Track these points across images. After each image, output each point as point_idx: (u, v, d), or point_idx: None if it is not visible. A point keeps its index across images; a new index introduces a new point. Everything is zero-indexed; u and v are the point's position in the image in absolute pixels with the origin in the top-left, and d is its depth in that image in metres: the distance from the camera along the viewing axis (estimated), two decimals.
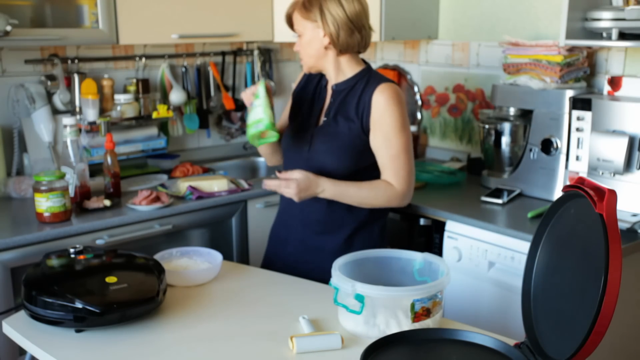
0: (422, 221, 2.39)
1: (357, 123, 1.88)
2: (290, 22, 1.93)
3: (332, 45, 1.88)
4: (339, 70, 1.92)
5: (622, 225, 2.00)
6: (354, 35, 1.87)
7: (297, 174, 1.83)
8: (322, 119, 1.95)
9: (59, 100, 2.58)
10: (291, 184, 1.82)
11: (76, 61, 2.66)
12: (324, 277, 1.75)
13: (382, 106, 1.84)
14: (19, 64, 2.55)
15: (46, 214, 2.11)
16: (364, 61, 1.96)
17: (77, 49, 2.68)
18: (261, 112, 1.86)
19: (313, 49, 1.89)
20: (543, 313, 1.27)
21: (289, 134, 2.02)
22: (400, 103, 1.87)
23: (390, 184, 1.87)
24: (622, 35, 2.15)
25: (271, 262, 2.07)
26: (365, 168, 1.91)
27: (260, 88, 1.88)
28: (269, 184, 1.85)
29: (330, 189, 1.85)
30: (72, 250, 1.65)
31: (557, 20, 2.51)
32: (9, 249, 2.00)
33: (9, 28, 2.14)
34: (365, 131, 1.88)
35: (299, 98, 2.04)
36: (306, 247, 1.98)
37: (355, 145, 1.87)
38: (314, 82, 2.02)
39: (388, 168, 1.87)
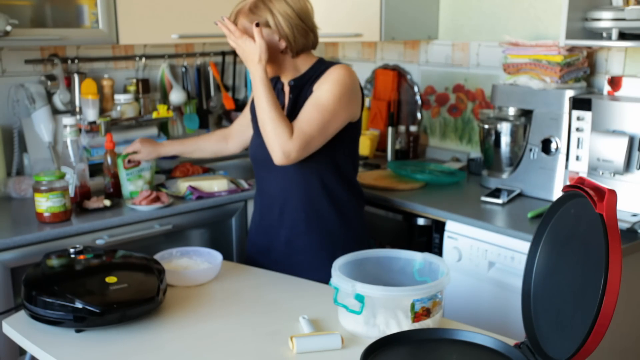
0: (422, 221, 2.39)
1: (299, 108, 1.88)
2: (235, 19, 1.88)
3: (288, 48, 1.85)
4: (294, 69, 1.91)
5: (622, 225, 2.00)
6: (308, 36, 1.87)
7: (240, 41, 1.80)
8: None
9: (59, 100, 2.58)
10: (239, 41, 1.80)
11: (76, 61, 2.66)
12: (316, 277, 1.76)
13: (325, 78, 1.84)
14: (19, 64, 2.55)
15: (46, 214, 2.11)
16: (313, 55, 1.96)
17: (77, 49, 2.68)
18: None
19: (270, 55, 1.83)
20: (543, 313, 1.27)
21: (253, 141, 2.01)
22: (341, 83, 1.82)
23: (291, 131, 1.78)
24: (622, 35, 2.15)
25: None
26: (328, 154, 1.88)
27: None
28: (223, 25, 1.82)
29: (262, 66, 1.79)
30: (72, 250, 1.65)
31: (557, 20, 2.51)
32: (9, 249, 2.00)
33: (9, 28, 2.14)
34: None
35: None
36: (293, 249, 1.96)
37: None
38: (273, 85, 1.99)
39: (298, 120, 1.80)
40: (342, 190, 1.97)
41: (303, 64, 1.92)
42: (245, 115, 2.16)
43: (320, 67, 1.91)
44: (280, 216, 1.97)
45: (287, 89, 1.94)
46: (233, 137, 2.24)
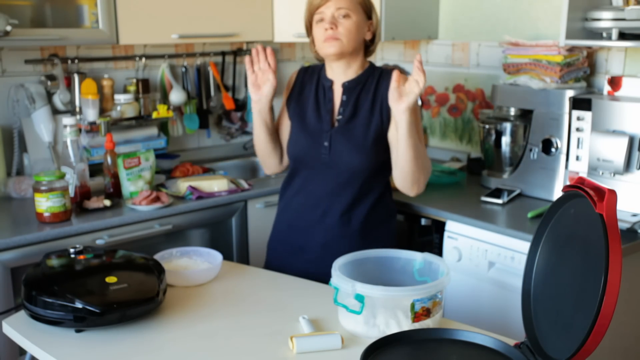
0: (422, 221, 2.39)
1: (376, 117, 1.88)
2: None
3: (368, 43, 1.92)
4: (350, 67, 1.91)
5: (622, 225, 2.00)
6: (377, 41, 1.95)
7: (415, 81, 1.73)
8: (336, 118, 1.92)
9: (59, 100, 2.58)
10: (420, 82, 1.72)
11: (76, 61, 2.66)
12: None
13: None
14: (19, 64, 2.55)
15: (46, 214, 2.11)
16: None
17: (77, 49, 2.68)
18: None
19: (359, 36, 1.87)
20: (543, 313, 1.27)
21: (298, 140, 1.96)
22: None
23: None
24: (622, 35, 2.15)
25: (283, 271, 1.93)
26: (383, 163, 1.92)
27: None
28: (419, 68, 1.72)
29: (418, 116, 1.83)
30: (72, 250, 1.65)
31: (557, 20, 2.51)
32: (9, 249, 2.00)
33: (9, 28, 2.13)
34: (385, 124, 1.88)
35: (300, 101, 1.99)
36: (328, 251, 1.90)
37: (376, 140, 1.88)
38: (312, 83, 1.99)
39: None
40: (384, 197, 1.99)
41: (358, 66, 1.93)
42: (284, 126, 2.05)
43: (375, 71, 1.93)
44: (322, 217, 1.94)
45: (338, 88, 1.93)
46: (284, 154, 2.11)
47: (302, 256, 1.97)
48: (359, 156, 1.88)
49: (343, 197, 1.92)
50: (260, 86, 1.91)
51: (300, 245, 1.98)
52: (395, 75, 1.74)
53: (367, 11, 1.89)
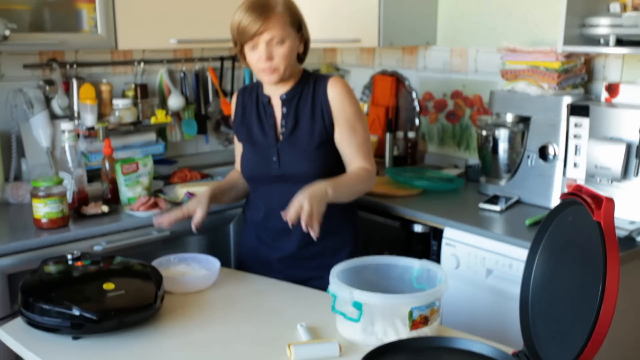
0: (420, 228, 2.39)
1: (319, 123, 1.89)
2: (265, 18, 1.77)
3: (302, 55, 1.91)
4: (286, 82, 1.91)
5: (619, 232, 2.00)
6: (308, 49, 1.94)
7: (300, 198, 1.68)
8: (280, 132, 1.93)
9: (57, 105, 2.57)
10: (305, 206, 1.65)
11: (75, 66, 2.66)
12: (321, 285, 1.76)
13: (339, 99, 1.89)
14: (17, 68, 2.55)
15: (44, 220, 2.11)
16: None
17: (75, 54, 2.68)
18: None
19: (294, 56, 1.87)
20: (541, 321, 1.27)
21: (248, 160, 1.98)
22: (352, 91, 1.93)
23: (366, 168, 1.92)
24: (620, 42, 2.16)
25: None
26: (331, 166, 1.93)
27: None
28: (291, 216, 1.67)
29: (330, 187, 1.74)
30: (69, 256, 1.65)
31: (554, 26, 2.51)
32: (6, 255, 1.99)
33: (7, 33, 2.13)
34: (328, 129, 1.90)
35: (244, 122, 2.00)
36: (296, 261, 1.97)
37: (322, 145, 1.89)
38: (252, 102, 1.99)
39: (359, 154, 1.91)
40: (340, 205, 1.95)
41: (294, 75, 1.92)
42: (239, 146, 2.08)
43: (309, 78, 1.93)
44: (286, 230, 1.91)
45: (277, 102, 1.94)
46: None
47: (271, 267, 1.99)
48: (309, 163, 1.89)
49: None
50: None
51: (268, 258, 2.00)
52: (288, 216, 1.67)
53: (297, 25, 1.86)
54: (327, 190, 1.73)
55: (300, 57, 1.93)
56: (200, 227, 1.87)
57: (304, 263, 1.98)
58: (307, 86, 1.92)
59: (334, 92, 1.89)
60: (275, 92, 1.94)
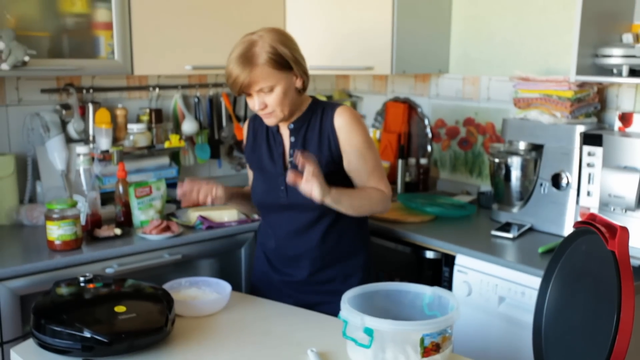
0: (431, 254, 2.38)
1: (325, 153, 1.89)
2: (245, 84, 1.78)
3: (302, 87, 1.87)
4: (293, 114, 1.91)
5: (634, 262, 1.98)
6: (308, 80, 1.91)
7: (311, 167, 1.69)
8: (288, 160, 1.93)
9: (73, 129, 2.61)
10: (313, 179, 1.68)
11: (91, 91, 2.70)
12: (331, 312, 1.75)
13: (346, 128, 1.88)
14: (35, 93, 2.59)
15: (57, 242, 2.12)
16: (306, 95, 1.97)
17: (92, 79, 2.72)
18: None
19: (290, 97, 1.84)
20: (554, 350, 1.26)
21: (257, 187, 1.99)
22: (360, 119, 1.93)
23: (379, 189, 1.91)
24: (633, 72, 2.16)
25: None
26: (347, 183, 1.92)
27: None
28: (291, 177, 1.70)
29: (333, 191, 1.76)
30: (81, 278, 1.65)
31: (567, 55, 2.53)
32: (19, 276, 2.00)
33: (27, 58, 2.18)
34: (335, 159, 1.89)
35: (255, 150, 2.00)
36: (307, 286, 1.98)
37: (328, 176, 1.83)
38: (262, 130, 1.99)
39: (371, 180, 1.91)
40: (355, 225, 1.99)
41: (302, 105, 1.92)
42: (251, 172, 2.09)
43: (317, 107, 1.92)
44: (296, 257, 1.97)
45: (286, 131, 1.94)
46: None
47: (282, 292, 2.00)
48: None
49: (312, 235, 1.93)
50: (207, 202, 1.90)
51: (279, 283, 2.01)
52: (289, 177, 1.71)
53: (286, 66, 1.81)
54: (331, 187, 1.75)
55: (301, 90, 1.89)
56: (216, 200, 1.89)
57: (314, 288, 1.98)
58: (315, 115, 1.91)
59: (340, 121, 1.88)
60: (284, 122, 1.94)
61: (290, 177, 1.71)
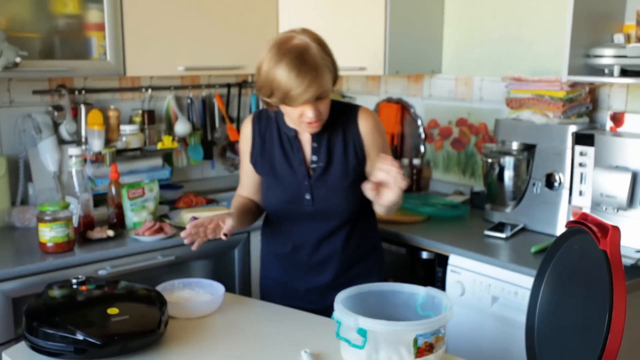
0: (425, 254, 2.38)
1: (351, 158, 1.83)
2: (310, 82, 1.63)
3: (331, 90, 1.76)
4: None
5: (626, 261, 1.99)
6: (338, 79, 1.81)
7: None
8: (311, 167, 1.85)
9: (65, 130, 2.60)
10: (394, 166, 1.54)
11: (83, 92, 2.69)
12: None
13: (371, 131, 1.84)
14: (26, 94, 2.58)
15: (49, 244, 2.11)
16: None
17: (84, 80, 2.71)
18: None
19: (329, 101, 1.76)
20: (547, 349, 1.26)
21: (276, 195, 1.88)
22: (380, 122, 1.91)
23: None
24: (624, 72, 2.17)
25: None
26: (363, 200, 1.83)
27: None
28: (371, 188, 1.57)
29: None
30: (74, 280, 1.65)
31: (559, 56, 2.53)
32: (11, 279, 2.00)
33: (18, 60, 2.17)
34: (360, 163, 1.85)
35: (265, 154, 1.89)
36: (325, 291, 1.91)
37: (356, 180, 1.81)
38: (272, 132, 1.87)
39: None
40: (371, 226, 1.98)
41: None
42: (251, 174, 1.96)
43: (336, 110, 1.82)
44: (317, 264, 1.92)
45: (306, 136, 1.84)
46: (257, 195, 2.00)
47: (299, 298, 1.94)
48: (344, 200, 1.85)
49: (337, 240, 1.90)
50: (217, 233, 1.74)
51: (296, 290, 1.96)
52: (369, 184, 1.57)
53: (334, 67, 1.73)
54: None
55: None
56: (229, 235, 1.73)
57: (339, 290, 1.81)
58: (337, 118, 1.82)
59: (366, 125, 1.83)
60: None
61: (367, 187, 1.56)
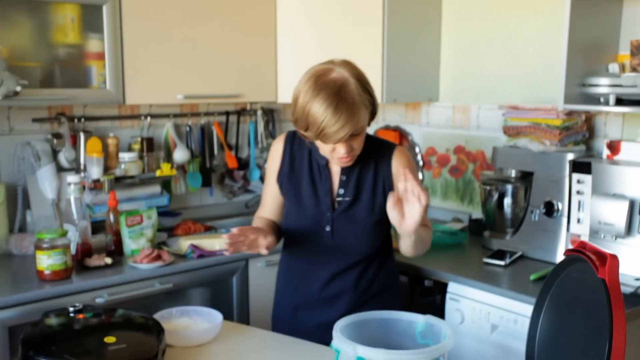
0: (424, 282, 2.37)
1: (379, 196, 1.79)
2: (346, 120, 1.60)
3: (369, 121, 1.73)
4: None
5: (625, 289, 1.98)
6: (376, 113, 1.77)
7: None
8: (337, 200, 1.81)
9: (64, 158, 2.60)
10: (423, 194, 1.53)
11: (82, 120, 2.70)
12: None
13: (403, 163, 1.79)
14: (26, 122, 2.59)
15: (47, 272, 2.10)
16: None
17: (83, 108, 2.73)
18: None
19: (364, 137, 1.72)
20: None
21: (296, 222, 1.85)
22: (414, 163, 1.85)
23: (429, 227, 1.83)
24: (619, 101, 2.19)
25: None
26: (384, 240, 1.86)
27: None
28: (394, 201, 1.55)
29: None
30: (71, 309, 1.64)
31: (555, 85, 2.55)
32: (8, 307, 1.98)
33: (18, 88, 2.18)
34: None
35: (293, 178, 1.85)
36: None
37: (381, 220, 1.77)
38: (303, 157, 1.85)
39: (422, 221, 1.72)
40: (389, 262, 1.93)
41: None
42: (276, 195, 1.92)
43: (371, 145, 1.79)
44: (330, 298, 1.86)
45: (335, 168, 1.81)
46: (279, 218, 1.97)
47: (306, 336, 1.85)
48: (366, 239, 1.81)
49: (349, 276, 1.84)
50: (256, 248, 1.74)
51: (305, 324, 1.90)
52: (391, 200, 1.56)
53: (371, 104, 1.70)
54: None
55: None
56: (270, 247, 1.73)
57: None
58: (369, 154, 1.78)
59: (399, 164, 1.78)
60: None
61: (392, 198, 1.55)
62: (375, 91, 1.72)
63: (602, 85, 2.20)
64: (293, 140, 1.87)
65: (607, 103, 2.20)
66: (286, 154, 1.87)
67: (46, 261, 2.10)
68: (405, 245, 1.74)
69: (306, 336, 1.81)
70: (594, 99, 2.26)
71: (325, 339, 1.79)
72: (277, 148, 1.89)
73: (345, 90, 1.60)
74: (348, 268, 1.85)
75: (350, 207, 1.80)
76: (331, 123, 1.58)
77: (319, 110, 1.59)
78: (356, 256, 1.83)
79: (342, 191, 1.81)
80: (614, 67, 2.33)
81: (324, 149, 1.71)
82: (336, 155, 1.69)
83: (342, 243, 1.81)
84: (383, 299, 1.90)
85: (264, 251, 1.71)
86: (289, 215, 1.90)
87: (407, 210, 1.57)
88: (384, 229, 1.85)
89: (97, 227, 2.56)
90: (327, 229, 1.81)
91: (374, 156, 1.80)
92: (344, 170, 1.80)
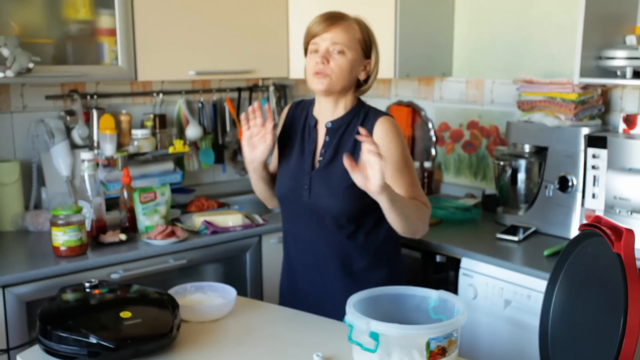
0: (437, 258, 2.37)
1: (356, 159, 1.76)
2: (332, 23, 1.77)
3: (361, 82, 1.84)
4: (337, 106, 1.84)
5: None
6: (372, 81, 1.88)
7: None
8: (317, 160, 1.85)
9: (77, 135, 2.62)
10: (378, 164, 1.55)
11: (95, 97, 2.71)
12: None
13: (384, 139, 1.77)
14: (39, 99, 2.60)
15: (62, 248, 2.13)
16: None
17: (96, 85, 2.73)
18: None
19: (351, 75, 1.80)
20: (561, 353, 1.26)
21: (282, 181, 1.91)
22: (400, 133, 1.81)
23: (422, 201, 1.80)
24: (637, 74, 2.16)
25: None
26: (364, 209, 1.81)
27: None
28: (348, 161, 1.58)
29: (389, 188, 1.64)
30: (87, 284, 1.66)
31: (571, 58, 2.52)
32: (25, 282, 2.01)
33: (31, 65, 2.18)
34: None
35: (288, 140, 1.92)
36: (328, 296, 1.86)
37: (354, 187, 1.71)
38: (300, 121, 1.92)
39: (408, 195, 1.77)
40: (382, 235, 1.88)
41: (346, 104, 1.84)
42: (276, 156, 2.00)
43: (361, 111, 1.84)
44: (316, 262, 1.88)
45: (322, 129, 1.86)
46: None
47: (306, 301, 1.90)
48: (337, 201, 1.79)
49: (334, 241, 1.84)
50: (256, 146, 1.83)
51: (303, 290, 1.93)
52: (346, 161, 1.59)
53: (366, 50, 1.82)
54: (381, 191, 1.59)
55: (360, 85, 1.85)
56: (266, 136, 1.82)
57: (334, 302, 1.82)
58: (356, 119, 1.82)
59: (380, 131, 1.78)
60: (323, 117, 1.86)
61: (346, 160, 1.58)
62: (383, 57, 1.89)
63: (619, 57, 2.16)
64: (296, 107, 1.97)
65: (623, 76, 2.17)
66: (288, 118, 1.97)
67: (62, 237, 2.12)
68: (391, 221, 1.73)
69: (304, 301, 1.88)
70: (611, 72, 2.23)
71: (323, 305, 1.85)
72: (283, 114, 2.01)
73: (342, 14, 1.80)
74: (331, 232, 1.83)
75: (326, 167, 1.83)
76: (316, 20, 1.79)
77: (312, 19, 1.80)
78: (331, 220, 1.82)
79: (323, 151, 1.85)
80: (631, 39, 2.28)
81: (308, 67, 1.82)
82: (315, 66, 1.78)
83: (317, 203, 1.82)
84: (376, 275, 1.87)
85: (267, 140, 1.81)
86: (279, 176, 1.95)
87: (369, 172, 1.58)
88: (359, 198, 1.75)
89: (111, 203, 2.57)
90: (305, 186, 1.85)
91: (361, 121, 1.83)
92: (329, 132, 1.85)
